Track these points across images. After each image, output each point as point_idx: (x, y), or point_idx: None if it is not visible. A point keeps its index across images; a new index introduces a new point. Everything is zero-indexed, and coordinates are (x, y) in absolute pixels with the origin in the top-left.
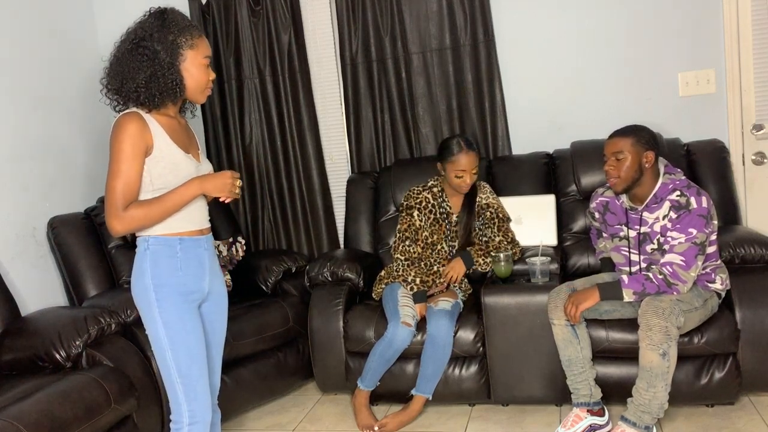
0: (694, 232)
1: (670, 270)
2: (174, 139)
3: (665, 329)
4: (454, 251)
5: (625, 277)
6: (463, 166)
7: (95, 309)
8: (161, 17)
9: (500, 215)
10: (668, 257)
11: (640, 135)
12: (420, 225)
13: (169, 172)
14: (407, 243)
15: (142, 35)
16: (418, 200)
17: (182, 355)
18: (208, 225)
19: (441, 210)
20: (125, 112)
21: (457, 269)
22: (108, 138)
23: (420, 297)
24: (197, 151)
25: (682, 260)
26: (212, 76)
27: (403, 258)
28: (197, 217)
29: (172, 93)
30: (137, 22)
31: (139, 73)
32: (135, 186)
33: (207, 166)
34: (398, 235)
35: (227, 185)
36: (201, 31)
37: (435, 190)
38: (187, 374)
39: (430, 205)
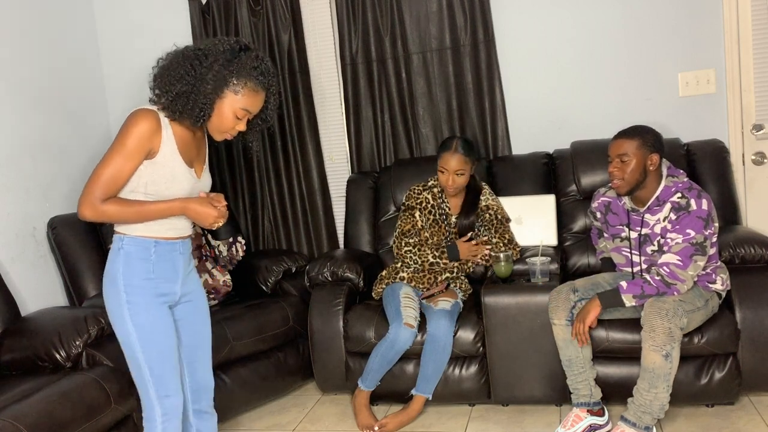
0: (692, 233)
1: (667, 270)
2: (181, 150)
3: (668, 331)
4: None
5: (623, 284)
6: (445, 165)
7: (95, 309)
8: (236, 52)
9: (499, 216)
10: (665, 257)
11: (645, 137)
12: (421, 226)
13: (164, 181)
14: (411, 241)
15: (206, 53)
16: (419, 200)
17: (155, 356)
18: (191, 232)
19: (440, 211)
20: (147, 107)
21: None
22: (109, 137)
23: (454, 249)
24: (201, 166)
25: (678, 260)
26: (240, 127)
27: (411, 247)
28: (180, 225)
29: (194, 117)
30: (219, 40)
31: (176, 83)
32: (121, 182)
33: (207, 181)
34: (397, 231)
35: (209, 218)
36: (262, 87)
37: (435, 190)
38: (160, 374)
39: (429, 206)
